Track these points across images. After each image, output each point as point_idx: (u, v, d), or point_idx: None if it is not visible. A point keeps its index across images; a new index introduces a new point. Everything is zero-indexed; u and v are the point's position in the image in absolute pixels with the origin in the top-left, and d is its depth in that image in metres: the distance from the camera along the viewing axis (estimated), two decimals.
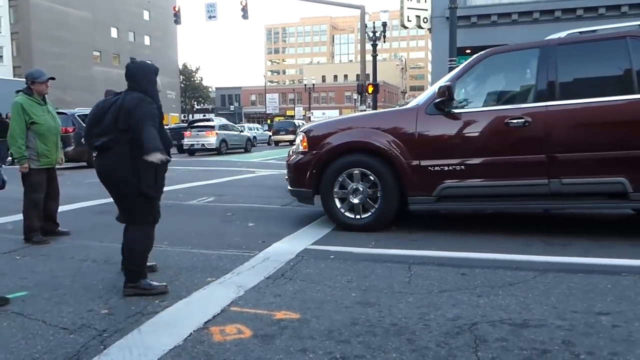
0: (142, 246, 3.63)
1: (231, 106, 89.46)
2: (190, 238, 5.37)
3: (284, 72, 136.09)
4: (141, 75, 3.60)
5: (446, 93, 5.16)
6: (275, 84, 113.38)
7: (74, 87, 57.47)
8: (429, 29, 17.78)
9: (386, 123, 5.63)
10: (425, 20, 17.19)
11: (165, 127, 4.07)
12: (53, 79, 5.49)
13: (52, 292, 3.66)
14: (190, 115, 76.46)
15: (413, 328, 2.88)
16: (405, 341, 2.71)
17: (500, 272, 3.92)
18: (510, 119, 5.09)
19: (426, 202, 5.36)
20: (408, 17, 17.04)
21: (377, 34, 22.44)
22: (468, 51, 17.01)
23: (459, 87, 5.44)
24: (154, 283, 3.63)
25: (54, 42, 56.59)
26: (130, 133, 3.40)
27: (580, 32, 5.51)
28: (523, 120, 5.04)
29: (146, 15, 70.30)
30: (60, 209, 5.86)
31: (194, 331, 2.90)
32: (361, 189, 5.52)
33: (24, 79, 5.46)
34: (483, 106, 5.43)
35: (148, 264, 3.75)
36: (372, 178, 5.48)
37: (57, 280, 3.92)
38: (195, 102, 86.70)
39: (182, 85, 78.28)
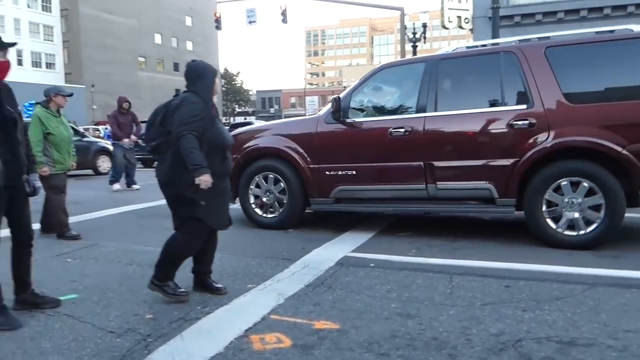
0: (176, 250, 3.58)
1: (271, 109, 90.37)
2: (231, 243, 5.42)
3: (323, 74, 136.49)
4: (195, 76, 3.52)
5: (334, 104, 5.69)
6: (315, 86, 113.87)
7: (120, 92, 58.83)
8: (471, 30, 17.49)
9: (294, 130, 6.20)
10: (466, 20, 16.92)
11: None
12: (71, 95, 6.00)
13: (100, 295, 3.78)
14: (232, 118, 77.66)
15: (454, 343, 2.82)
16: (446, 356, 2.66)
17: (546, 285, 3.79)
18: (393, 129, 5.49)
19: (325, 203, 5.89)
20: (449, 17, 16.81)
21: (417, 35, 22.23)
22: None
23: (356, 98, 5.89)
24: (181, 290, 3.59)
25: (102, 49, 58.57)
26: None
27: (466, 47, 5.86)
28: (404, 129, 5.45)
29: (188, 21, 71.90)
30: (106, 212, 6.05)
31: (234, 339, 2.93)
32: (272, 191, 6.16)
33: (45, 93, 5.95)
34: (372, 116, 5.85)
35: (216, 285, 3.78)
36: (281, 182, 6.10)
37: (105, 284, 4.04)
38: (237, 105, 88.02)
39: (224, 88, 79.56)
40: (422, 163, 5.37)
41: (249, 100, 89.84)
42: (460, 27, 17.28)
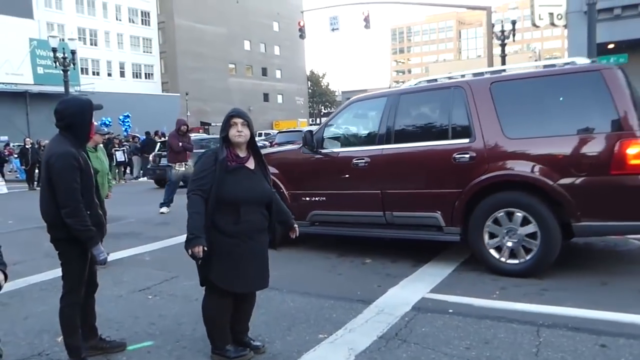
0: (209, 314, 3.41)
1: None
2: (305, 279, 5.39)
3: (409, 72, 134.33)
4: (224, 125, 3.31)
5: (305, 138, 6.29)
6: (401, 83, 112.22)
7: (212, 99, 62.02)
8: (565, 26, 16.31)
9: (280, 157, 6.84)
10: (559, 16, 15.80)
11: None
12: (110, 133, 6.37)
13: (174, 343, 3.84)
14: (318, 119, 78.54)
15: None
16: None
17: None
18: (356, 159, 5.93)
19: (303, 225, 5.98)
20: (540, 15, 15.79)
21: (506, 33, 21.07)
22: (611, 46, 15.33)
23: (329, 130, 6.46)
24: (243, 352, 3.44)
25: (195, 57, 61.46)
26: None
27: (427, 81, 6.11)
28: (364, 161, 5.87)
29: (276, 26, 73.57)
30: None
31: None
32: None
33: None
34: (341, 147, 6.34)
35: (254, 343, 3.57)
36: None
37: (180, 328, 4.12)
38: (322, 107, 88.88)
39: (310, 90, 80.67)
40: (380, 192, 5.78)
41: (335, 101, 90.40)
42: (553, 24, 16.17)
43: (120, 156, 20.35)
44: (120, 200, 11.77)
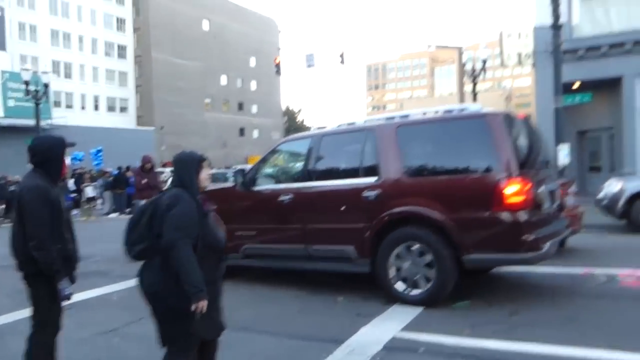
0: None
1: None
2: (275, 319, 5.32)
3: (384, 107, 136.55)
4: (183, 168, 3.08)
5: (237, 177, 6.88)
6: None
7: (188, 133, 61.87)
8: (533, 65, 16.91)
9: (217, 194, 7.05)
10: (527, 56, 16.41)
11: None
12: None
13: None
14: None
15: None
16: None
17: None
18: (282, 197, 6.33)
19: (236, 258, 6.56)
20: (508, 55, 16.37)
21: (477, 72, 21.72)
22: (576, 85, 15.93)
23: (261, 169, 6.92)
24: None
25: (171, 91, 61.47)
26: None
27: (347, 124, 6.54)
28: (289, 197, 6.28)
29: (253, 61, 74.32)
30: None
31: None
32: None
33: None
34: (269, 185, 6.81)
35: None
36: None
37: None
38: None
39: (286, 126, 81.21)
40: (301, 226, 6.20)
41: None
42: (520, 63, 16.76)
43: (90, 192, 19.99)
44: (88, 237, 11.50)
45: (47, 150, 3.36)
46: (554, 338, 4.27)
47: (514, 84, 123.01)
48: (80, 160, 27.14)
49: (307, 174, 6.32)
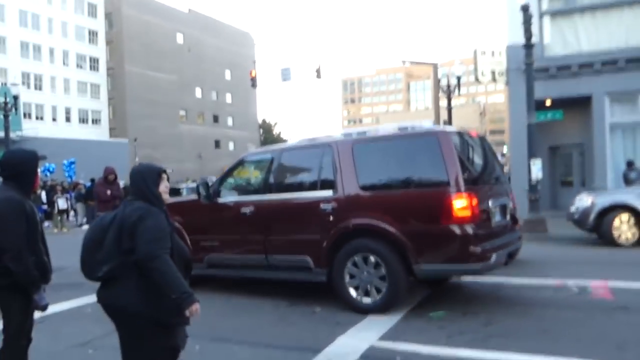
0: None
1: None
2: (254, 330, 5.30)
3: (360, 121, 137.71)
4: (141, 182, 2.93)
5: (198, 189, 7.00)
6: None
7: (162, 145, 61.34)
8: (506, 83, 17.30)
9: (183, 206, 7.51)
10: (500, 74, 16.78)
11: None
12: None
13: None
14: None
15: None
16: None
17: None
18: (244, 208, 6.55)
19: (201, 268, 6.74)
20: (482, 72, 16.73)
21: (452, 87, 22.16)
22: (548, 102, 16.34)
23: (225, 182, 7.13)
24: None
25: (145, 104, 60.96)
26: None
27: (308, 140, 6.80)
28: (249, 209, 6.51)
29: (228, 74, 74.32)
30: None
31: None
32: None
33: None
34: (232, 197, 6.98)
35: None
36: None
37: None
38: None
39: (262, 139, 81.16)
40: (262, 237, 6.37)
41: None
42: (494, 80, 17.14)
43: (62, 203, 19.61)
44: (61, 249, 11.25)
45: (19, 165, 3.33)
46: (527, 348, 4.36)
47: (489, 100, 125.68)
48: (51, 172, 26.66)
49: (268, 187, 6.57)
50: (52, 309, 5.94)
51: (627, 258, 8.80)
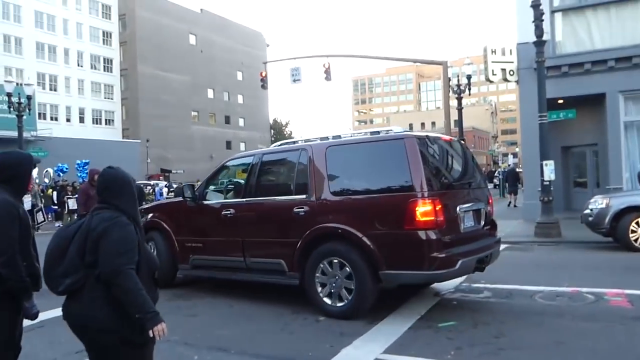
0: None
1: None
2: (256, 339, 5.14)
3: (371, 122, 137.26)
4: (117, 188, 2.78)
5: (183, 192, 7.22)
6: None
7: (174, 146, 61.57)
8: (517, 82, 17.00)
9: (169, 208, 7.81)
10: (511, 72, 16.46)
11: None
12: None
13: None
14: None
15: None
16: None
17: None
18: (225, 211, 6.68)
19: (186, 269, 7.15)
20: (493, 71, 16.41)
21: (462, 87, 21.87)
22: (561, 101, 16.01)
23: (210, 185, 7.33)
24: None
25: (157, 104, 61.16)
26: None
27: (288, 143, 6.95)
28: (229, 211, 6.63)
29: (239, 75, 74.37)
30: None
31: None
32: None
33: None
34: (214, 200, 7.20)
35: None
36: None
37: None
38: None
39: (273, 139, 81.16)
40: (241, 239, 6.50)
41: None
42: (505, 79, 16.82)
43: (72, 204, 19.64)
44: None
45: (14, 167, 3.23)
46: None
47: (500, 99, 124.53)
48: (64, 172, 26.79)
49: (248, 190, 6.67)
50: (48, 315, 5.86)
51: None
